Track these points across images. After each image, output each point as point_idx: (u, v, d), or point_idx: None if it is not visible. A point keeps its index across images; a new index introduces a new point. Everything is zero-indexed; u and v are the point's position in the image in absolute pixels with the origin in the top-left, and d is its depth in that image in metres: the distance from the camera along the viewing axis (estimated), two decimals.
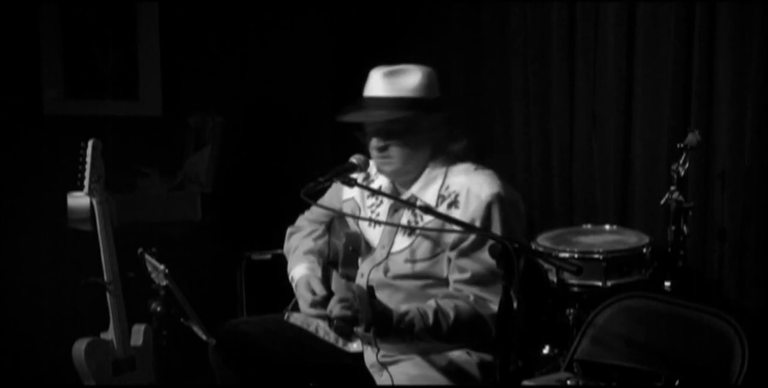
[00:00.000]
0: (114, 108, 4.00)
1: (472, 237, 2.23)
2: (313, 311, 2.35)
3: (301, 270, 2.47)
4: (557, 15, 3.89)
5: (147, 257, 2.78)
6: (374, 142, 2.33)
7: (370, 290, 2.08)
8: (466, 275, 2.24)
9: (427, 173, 2.35)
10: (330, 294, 2.36)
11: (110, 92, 4.02)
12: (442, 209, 2.28)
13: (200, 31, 4.17)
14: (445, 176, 2.34)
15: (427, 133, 2.32)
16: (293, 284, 2.48)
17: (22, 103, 3.82)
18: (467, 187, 2.29)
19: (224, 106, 4.12)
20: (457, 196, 2.29)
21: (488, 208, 2.25)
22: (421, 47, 4.30)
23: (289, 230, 2.67)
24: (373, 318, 2.06)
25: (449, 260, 2.28)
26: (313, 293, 2.37)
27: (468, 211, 2.26)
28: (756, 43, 3.31)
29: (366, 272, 2.40)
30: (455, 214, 2.25)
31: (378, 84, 2.30)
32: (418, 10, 4.36)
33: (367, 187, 2.39)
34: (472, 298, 2.22)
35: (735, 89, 3.38)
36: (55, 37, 3.88)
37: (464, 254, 2.25)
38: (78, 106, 3.94)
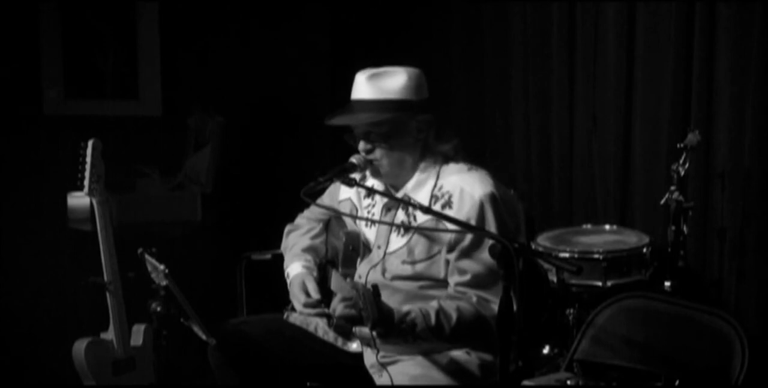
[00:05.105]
0: (114, 108, 4.00)
1: (469, 237, 2.22)
2: (307, 311, 2.36)
3: (296, 268, 2.47)
4: (557, 15, 3.89)
5: (147, 257, 2.77)
6: (361, 145, 2.34)
7: (375, 288, 2.07)
8: (467, 277, 2.23)
9: (419, 173, 2.34)
10: (325, 295, 2.36)
11: (110, 92, 4.02)
12: (436, 209, 2.27)
13: (200, 31, 4.17)
14: (438, 177, 2.33)
15: (414, 135, 2.31)
16: (288, 281, 2.48)
17: (22, 103, 3.82)
18: (460, 188, 2.28)
19: (224, 106, 4.12)
20: (450, 196, 2.28)
21: (481, 207, 2.24)
22: (422, 47, 4.29)
23: (287, 228, 2.67)
24: (379, 317, 2.06)
25: (447, 262, 2.27)
26: (308, 294, 2.37)
27: (462, 211, 2.25)
28: (756, 43, 3.31)
29: (364, 273, 2.40)
30: (449, 214, 2.24)
31: (362, 87, 2.30)
32: (418, 10, 4.36)
33: (366, 187, 2.39)
34: (474, 299, 2.22)
35: (735, 89, 3.38)
36: (55, 37, 3.88)
37: (463, 255, 2.24)
38: (78, 106, 3.94)
